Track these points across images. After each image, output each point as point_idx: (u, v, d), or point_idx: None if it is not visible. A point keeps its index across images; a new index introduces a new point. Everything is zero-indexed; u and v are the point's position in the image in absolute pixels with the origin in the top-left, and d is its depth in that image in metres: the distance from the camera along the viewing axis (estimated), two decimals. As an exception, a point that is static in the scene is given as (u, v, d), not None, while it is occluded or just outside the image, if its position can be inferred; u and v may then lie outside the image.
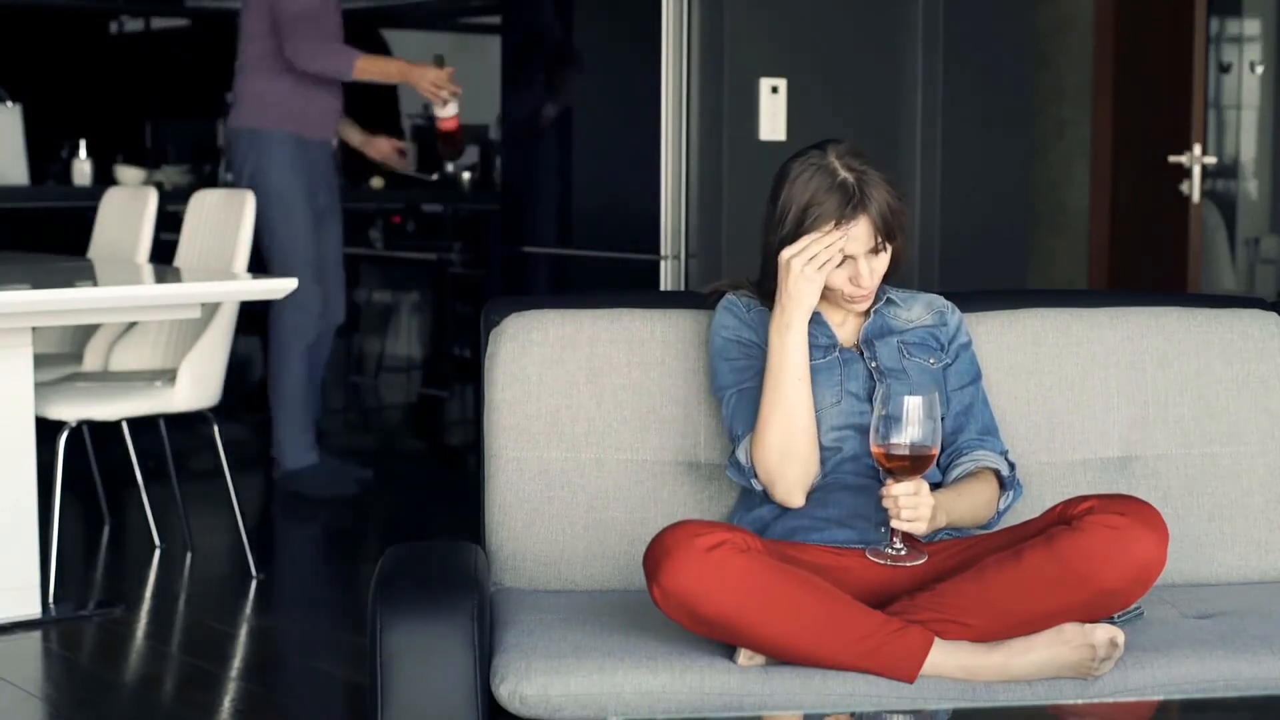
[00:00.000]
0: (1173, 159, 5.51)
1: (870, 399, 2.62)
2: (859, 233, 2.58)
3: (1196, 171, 5.47)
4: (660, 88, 4.76)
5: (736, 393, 2.66)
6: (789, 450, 2.57)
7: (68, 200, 6.60)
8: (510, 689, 2.35)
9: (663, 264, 4.79)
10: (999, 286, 5.06)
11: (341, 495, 5.60)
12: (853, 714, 2.36)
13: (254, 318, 5.97)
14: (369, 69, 5.53)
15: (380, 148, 5.95)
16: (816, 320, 2.68)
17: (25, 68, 7.65)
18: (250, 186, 5.54)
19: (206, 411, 4.55)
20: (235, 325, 4.62)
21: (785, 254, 2.57)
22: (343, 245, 5.83)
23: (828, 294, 2.65)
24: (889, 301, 2.75)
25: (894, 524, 2.45)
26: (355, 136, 5.91)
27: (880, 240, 2.60)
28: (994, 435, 2.71)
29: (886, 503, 2.45)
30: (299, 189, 5.55)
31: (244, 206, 4.70)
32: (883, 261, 2.64)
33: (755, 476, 2.61)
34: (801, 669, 2.38)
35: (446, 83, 5.49)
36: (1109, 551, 2.35)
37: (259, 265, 5.68)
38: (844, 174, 2.58)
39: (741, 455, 2.63)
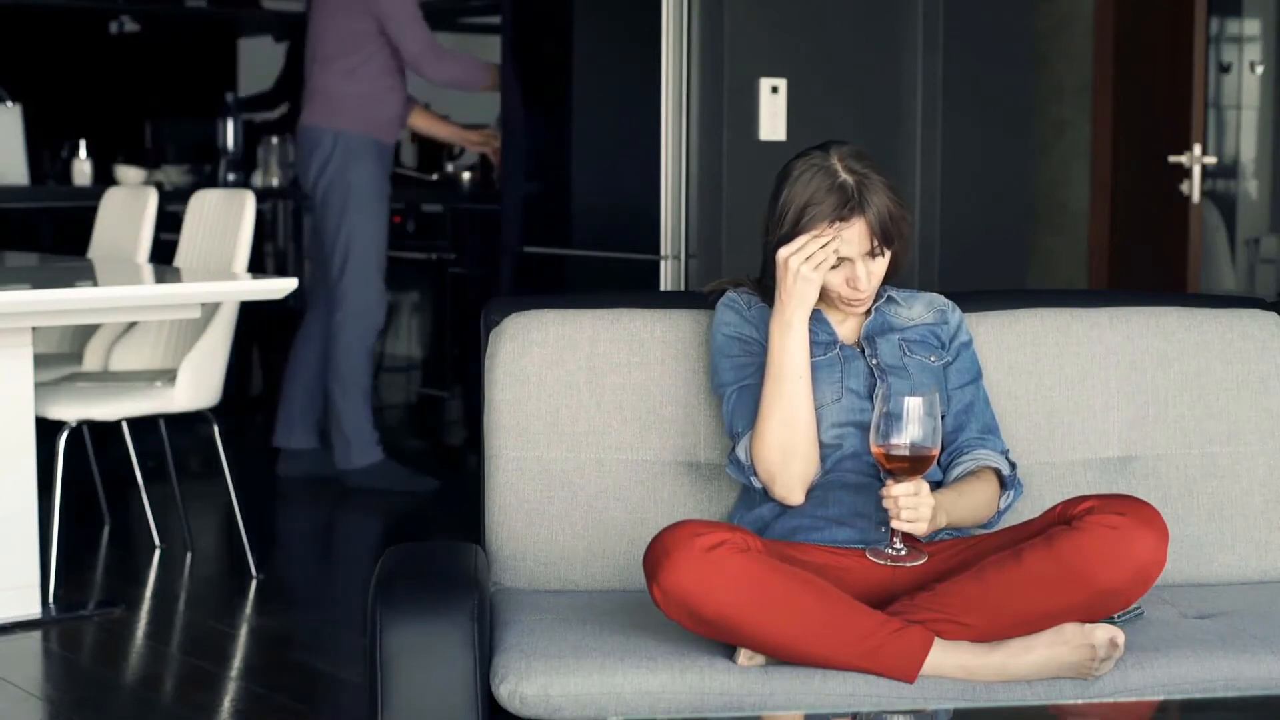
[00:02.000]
0: (1173, 159, 5.51)
1: (871, 396, 2.62)
2: (855, 235, 2.58)
3: (1196, 171, 5.47)
4: (660, 88, 4.76)
5: (737, 390, 2.67)
6: (789, 448, 2.57)
7: (68, 200, 6.60)
8: (510, 689, 2.35)
9: (663, 264, 4.79)
10: (999, 286, 5.06)
11: (419, 490, 5.63)
12: (853, 714, 2.36)
13: (253, 320, 5.98)
14: (493, 81, 5.62)
15: (472, 139, 6.03)
16: (817, 317, 2.68)
17: (25, 68, 7.64)
18: (327, 188, 5.55)
19: (206, 411, 4.55)
20: (235, 325, 4.62)
21: (782, 253, 2.57)
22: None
23: (825, 294, 2.65)
24: (889, 299, 2.75)
25: (894, 524, 2.45)
26: (442, 129, 5.98)
27: (877, 244, 2.60)
28: (995, 434, 2.71)
29: (887, 503, 2.45)
30: (380, 193, 5.60)
31: (244, 206, 4.70)
32: (880, 266, 2.64)
33: (755, 474, 2.61)
34: (801, 669, 2.38)
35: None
36: (1109, 551, 2.35)
37: (259, 265, 5.68)
38: (844, 176, 2.58)
39: (741, 453, 2.63)
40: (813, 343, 2.65)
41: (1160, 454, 2.88)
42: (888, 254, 2.63)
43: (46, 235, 6.46)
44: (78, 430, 4.64)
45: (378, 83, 5.57)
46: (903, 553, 2.48)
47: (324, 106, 5.60)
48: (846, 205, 2.57)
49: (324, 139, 5.58)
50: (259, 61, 8.09)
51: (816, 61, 4.95)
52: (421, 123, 5.79)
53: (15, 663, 3.94)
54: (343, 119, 5.57)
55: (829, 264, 2.58)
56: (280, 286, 4.28)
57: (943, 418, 2.60)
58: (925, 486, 2.45)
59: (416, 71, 5.56)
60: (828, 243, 2.56)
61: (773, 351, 2.58)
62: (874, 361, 2.66)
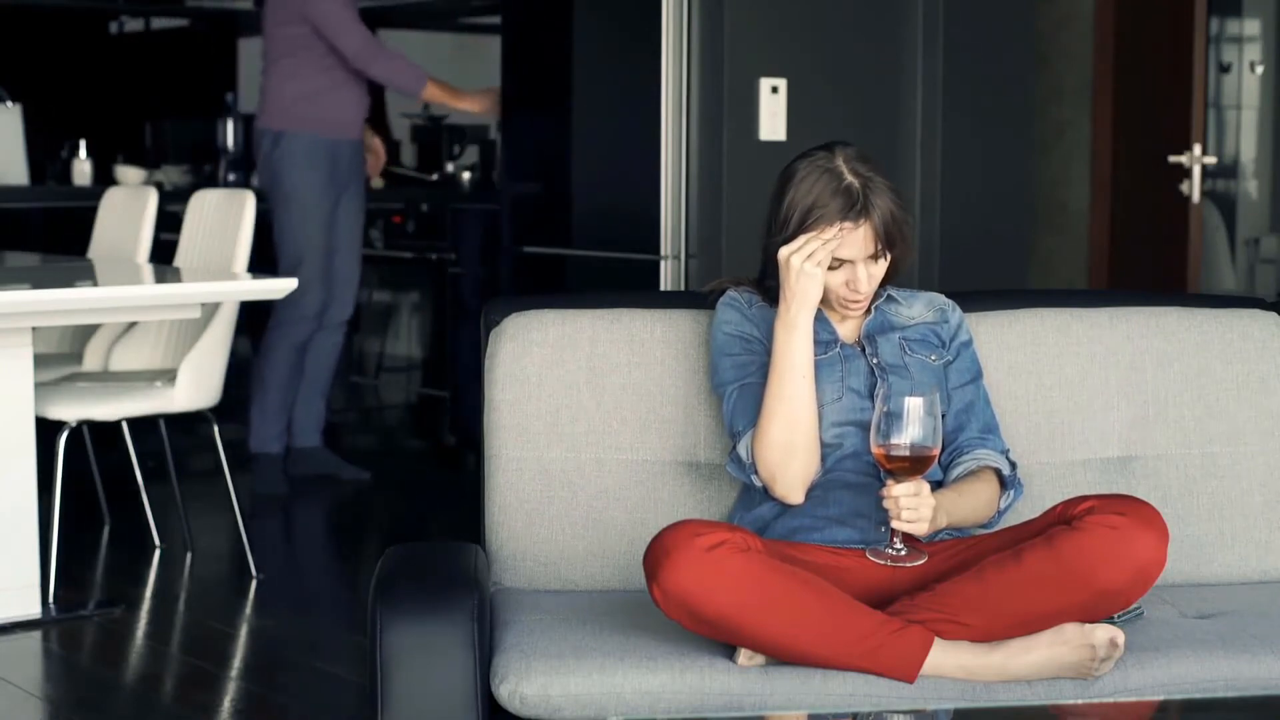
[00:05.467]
0: (1173, 159, 5.51)
1: (871, 395, 2.62)
2: (859, 238, 2.58)
3: (1196, 171, 5.47)
4: (660, 88, 4.76)
5: (738, 388, 2.67)
6: (791, 446, 2.57)
7: (68, 200, 6.60)
8: (510, 689, 2.35)
9: (663, 264, 4.79)
10: (999, 286, 5.06)
11: (273, 494, 5.64)
12: (853, 714, 2.36)
13: (254, 317, 5.97)
14: (434, 94, 5.63)
15: (376, 150, 6.02)
16: (818, 317, 2.68)
17: (25, 68, 7.64)
18: (270, 186, 5.59)
19: (206, 411, 4.55)
20: (235, 325, 4.62)
21: (783, 252, 2.57)
22: (358, 249, 5.84)
23: (824, 296, 2.65)
24: (889, 299, 2.75)
25: (894, 525, 2.45)
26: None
27: (880, 247, 2.60)
28: (995, 434, 2.71)
29: (887, 503, 2.45)
30: (317, 192, 5.60)
31: (244, 206, 4.70)
32: (880, 269, 2.64)
33: (756, 472, 2.61)
34: (801, 669, 2.38)
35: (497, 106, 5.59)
36: (1109, 551, 2.35)
37: (260, 265, 5.67)
38: (850, 178, 2.58)
39: (742, 451, 2.63)
40: (814, 341, 2.65)
41: (1160, 454, 2.88)
42: (888, 257, 2.64)
43: (46, 235, 6.45)
44: (78, 430, 4.64)
45: (315, 81, 5.60)
46: (903, 552, 2.48)
47: (267, 107, 5.67)
48: (853, 208, 2.57)
49: (264, 139, 5.66)
50: (259, 61, 8.09)
51: (816, 61, 4.95)
52: (435, 92, 5.77)
53: (15, 663, 3.94)
54: (281, 119, 5.62)
55: (829, 260, 2.58)
56: (280, 286, 4.28)
57: (943, 417, 2.60)
58: (926, 487, 2.45)
59: (359, 70, 5.59)
60: (829, 239, 2.57)
61: (777, 351, 2.58)
62: (874, 360, 2.67)
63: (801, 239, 2.57)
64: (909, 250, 2.67)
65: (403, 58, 5.62)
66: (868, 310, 2.72)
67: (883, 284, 2.71)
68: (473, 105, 5.71)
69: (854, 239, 2.58)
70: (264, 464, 5.72)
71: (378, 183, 6.50)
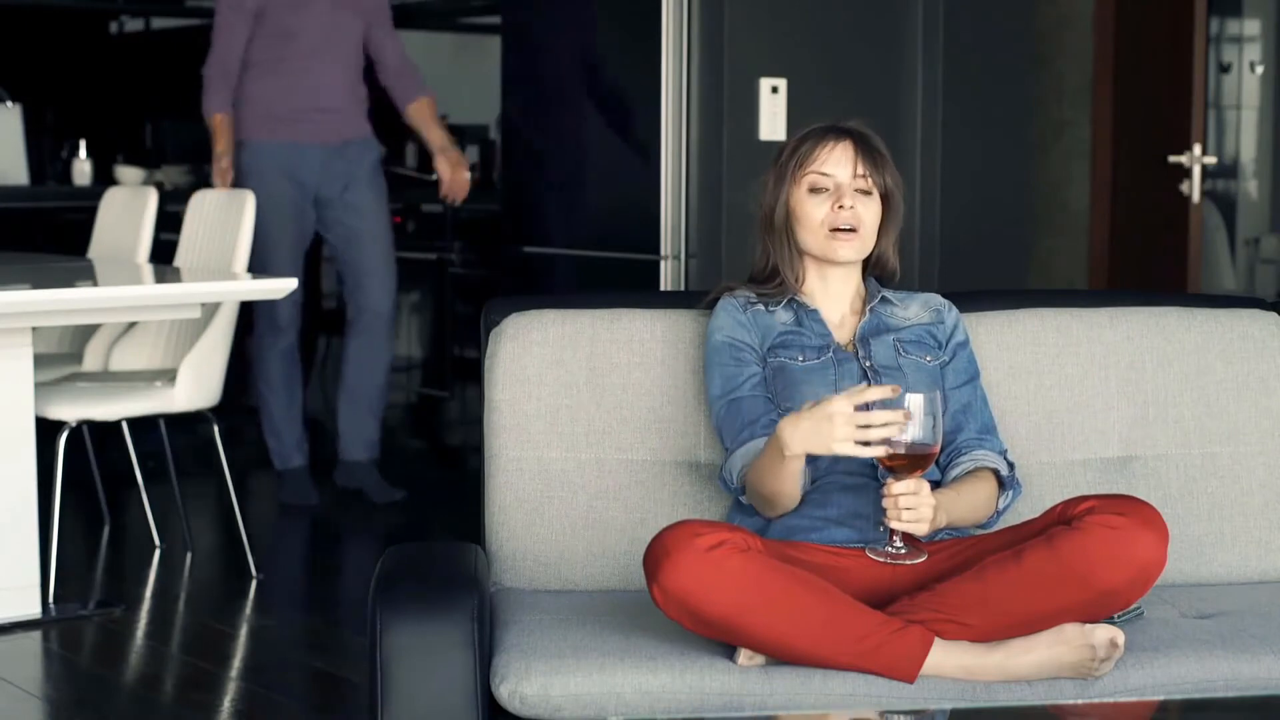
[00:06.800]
0: (1173, 159, 5.51)
1: (865, 398, 2.61)
2: (840, 156, 2.66)
3: (1196, 171, 5.47)
4: (660, 88, 4.76)
5: (725, 404, 2.66)
6: (776, 504, 2.57)
7: (68, 200, 6.60)
8: (510, 689, 2.35)
9: (663, 264, 4.79)
10: (999, 286, 5.06)
11: (301, 505, 5.55)
12: (852, 714, 2.36)
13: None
14: (216, 128, 5.50)
15: (445, 174, 5.74)
16: (814, 319, 2.69)
17: (25, 68, 7.65)
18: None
19: (206, 411, 4.55)
20: (235, 325, 4.62)
21: (842, 399, 2.38)
22: (382, 242, 5.65)
23: (815, 245, 2.68)
24: (884, 300, 2.75)
25: (893, 525, 2.45)
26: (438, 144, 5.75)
27: (861, 171, 2.66)
28: (993, 434, 2.71)
29: (886, 502, 2.44)
30: (278, 196, 5.48)
31: (244, 206, 4.70)
32: (870, 210, 2.66)
33: (743, 495, 2.62)
34: (801, 669, 2.38)
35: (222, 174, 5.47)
36: (1109, 551, 2.35)
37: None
38: (831, 123, 2.71)
39: (728, 475, 2.63)
40: (806, 346, 2.66)
41: (1160, 454, 2.88)
42: (877, 199, 2.67)
43: (46, 235, 6.46)
44: (78, 430, 4.64)
45: (262, 86, 5.51)
46: (903, 551, 2.48)
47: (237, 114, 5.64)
48: (831, 129, 2.68)
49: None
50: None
51: (816, 61, 4.95)
52: (217, 126, 5.55)
53: (15, 663, 3.95)
54: (239, 124, 5.54)
55: (878, 451, 2.39)
56: (280, 287, 4.28)
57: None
58: (926, 486, 2.44)
59: None
60: (890, 422, 2.37)
61: (773, 448, 2.46)
62: (867, 364, 2.66)
63: (873, 415, 2.37)
64: (899, 205, 2.71)
65: (217, 81, 5.47)
66: (864, 311, 2.72)
67: (882, 280, 2.72)
68: (218, 172, 5.49)
69: (837, 156, 2.66)
70: (290, 479, 5.61)
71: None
